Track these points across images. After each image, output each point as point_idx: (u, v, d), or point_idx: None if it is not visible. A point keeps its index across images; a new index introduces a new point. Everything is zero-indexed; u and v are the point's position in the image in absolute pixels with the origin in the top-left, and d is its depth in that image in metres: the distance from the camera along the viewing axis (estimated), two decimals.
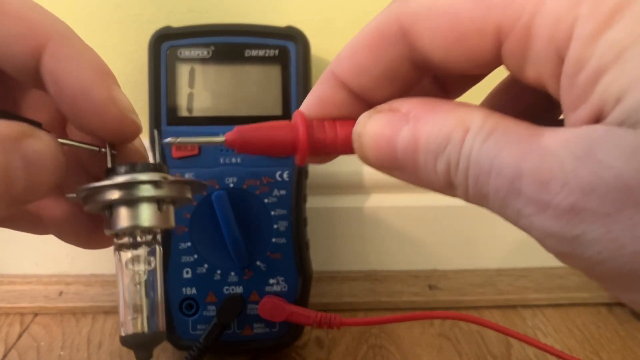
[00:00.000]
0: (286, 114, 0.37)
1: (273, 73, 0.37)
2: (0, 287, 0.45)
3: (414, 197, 0.47)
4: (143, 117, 0.36)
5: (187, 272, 0.37)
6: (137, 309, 0.21)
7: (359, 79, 0.19)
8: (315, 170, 0.39)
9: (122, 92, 0.20)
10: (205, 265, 0.37)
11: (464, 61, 0.17)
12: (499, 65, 0.17)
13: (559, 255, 0.15)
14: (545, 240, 0.15)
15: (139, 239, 0.21)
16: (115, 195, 0.20)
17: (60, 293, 0.45)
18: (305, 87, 0.37)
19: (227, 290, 0.37)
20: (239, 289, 0.37)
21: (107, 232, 0.21)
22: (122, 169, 0.20)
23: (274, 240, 0.37)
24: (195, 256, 0.37)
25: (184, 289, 0.37)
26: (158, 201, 0.21)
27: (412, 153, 0.17)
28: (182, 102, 0.37)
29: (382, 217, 0.47)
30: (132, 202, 0.20)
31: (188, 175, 0.36)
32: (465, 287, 0.47)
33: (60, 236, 0.24)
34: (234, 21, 0.39)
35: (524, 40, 0.15)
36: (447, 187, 0.17)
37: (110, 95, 0.19)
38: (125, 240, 0.21)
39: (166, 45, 0.37)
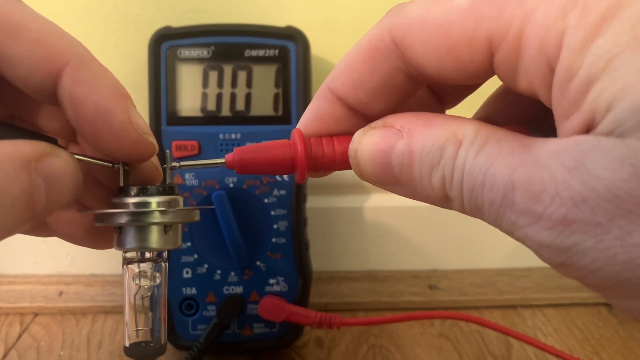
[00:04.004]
0: (286, 114, 0.37)
1: (273, 73, 0.37)
2: (0, 287, 0.45)
3: None
4: (143, 117, 0.36)
5: (187, 272, 0.37)
6: (141, 322, 0.22)
7: (355, 93, 0.19)
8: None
9: (139, 114, 0.20)
10: (205, 265, 0.37)
11: (457, 72, 0.17)
12: (492, 75, 0.17)
13: (554, 265, 0.15)
14: (540, 251, 0.15)
15: (146, 255, 0.22)
16: (124, 219, 0.21)
17: (60, 293, 0.45)
18: (305, 87, 0.37)
19: (227, 290, 0.37)
20: (239, 289, 0.37)
21: (116, 248, 0.22)
22: (133, 191, 0.21)
23: (274, 240, 0.37)
24: (195, 256, 0.37)
25: (184, 289, 0.37)
26: (165, 225, 0.21)
27: (407, 167, 0.17)
28: (182, 102, 0.37)
29: (382, 217, 0.47)
30: (140, 226, 0.21)
31: (188, 175, 0.36)
32: (466, 287, 0.47)
33: (66, 239, 0.24)
34: (234, 21, 0.39)
35: (514, 50, 0.15)
36: (444, 200, 0.17)
37: (129, 119, 0.20)
38: (133, 255, 0.22)
39: (166, 45, 0.37)
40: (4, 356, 0.39)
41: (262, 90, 0.37)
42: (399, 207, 0.47)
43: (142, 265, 0.22)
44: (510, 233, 0.15)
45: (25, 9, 0.19)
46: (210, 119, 0.37)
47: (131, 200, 0.21)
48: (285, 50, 0.37)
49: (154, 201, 0.21)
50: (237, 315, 0.37)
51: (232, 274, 0.37)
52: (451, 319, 0.43)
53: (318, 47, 0.40)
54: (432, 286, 0.47)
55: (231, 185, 0.37)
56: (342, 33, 0.43)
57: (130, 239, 0.21)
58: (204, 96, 0.37)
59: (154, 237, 0.21)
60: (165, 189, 0.22)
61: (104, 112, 0.19)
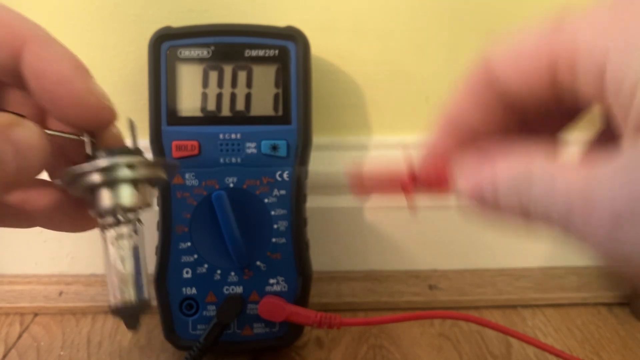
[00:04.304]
0: (286, 114, 0.37)
1: (273, 73, 0.37)
2: (0, 287, 0.45)
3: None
4: (143, 117, 0.36)
5: (187, 272, 0.37)
6: (124, 282, 0.23)
7: (467, 120, 0.21)
8: (315, 170, 0.39)
9: (96, 83, 0.22)
10: (205, 265, 0.37)
11: (537, 90, 0.19)
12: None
13: (615, 268, 0.17)
14: (602, 257, 0.16)
15: (121, 218, 0.23)
16: (96, 177, 0.22)
17: (60, 293, 0.45)
18: (305, 87, 0.37)
19: (227, 290, 0.37)
20: (239, 289, 0.37)
21: (92, 213, 0.23)
22: (102, 153, 0.23)
23: (274, 240, 0.37)
24: (195, 256, 0.37)
25: (184, 289, 0.37)
26: (136, 182, 0.23)
27: (494, 193, 0.19)
28: (182, 102, 0.37)
29: (382, 217, 0.47)
30: (112, 184, 0.22)
31: (188, 175, 0.36)
32: (465, 287, 0.47)
33: (48, 225, 0.25)
34: (234, 21, 0.39)
35: (570, 65, 0.17)
36: (526, 220, 0.19)
37: (87, 86, 0.22)
38: (109, 219, 0.23)
39: (166, 45, 0.37)
40: (4, 356, 0.39)
41: (262, 90, 0.37)
42: (399, 207, 0.47)
43: (119, 228, 0.23)
44: (580, 243, 0.17)
45: None
46: (210, 119, 0.37)
47: (99, 160, 0.22)
48: (285, 50, 0.37)
49: (120, 157, 0.22)
50: (237, 315, 0.37)
51: (232, 274, 0.37)
52: (451, 319, 0.43)
53: (318, 47, 0.40)
54: (432, 286, 0.47)
55: (231, 185, 0.37)
56: (342, 33, 0.43)
57: (104, 200, 0.22)
58: (204, 96, 0.37)
59: (126, 195, 0.23)
60: (132, 150, 0.23)
61: (64, 81, 0.21)
